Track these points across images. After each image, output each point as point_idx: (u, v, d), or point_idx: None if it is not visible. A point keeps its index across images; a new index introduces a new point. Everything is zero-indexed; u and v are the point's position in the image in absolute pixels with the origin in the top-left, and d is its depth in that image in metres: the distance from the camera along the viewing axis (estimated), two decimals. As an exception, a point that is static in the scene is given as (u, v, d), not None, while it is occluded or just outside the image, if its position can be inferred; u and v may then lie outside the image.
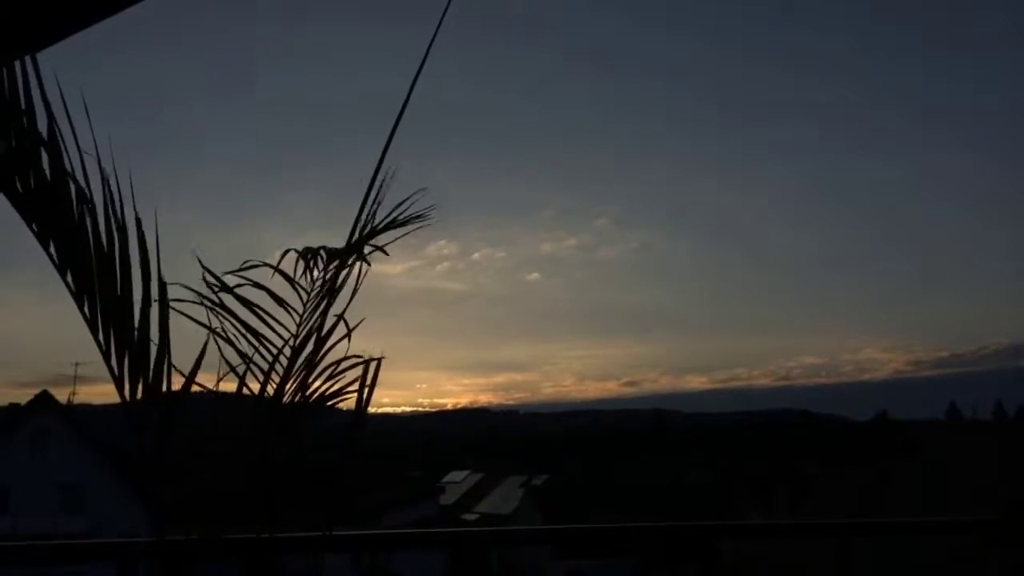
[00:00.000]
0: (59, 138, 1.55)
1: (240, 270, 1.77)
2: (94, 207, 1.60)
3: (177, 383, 1.68)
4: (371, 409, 1.79)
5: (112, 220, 1.61)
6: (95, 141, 1.54)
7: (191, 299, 1.73)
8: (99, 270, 1.61)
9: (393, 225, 1.88)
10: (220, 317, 1.75)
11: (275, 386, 1.76)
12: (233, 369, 1.75)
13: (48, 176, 1.56)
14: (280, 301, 1.80)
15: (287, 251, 1.82)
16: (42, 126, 1.55)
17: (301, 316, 1.80)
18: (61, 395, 26.06)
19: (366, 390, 1.76)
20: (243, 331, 1.76)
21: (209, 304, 1.74)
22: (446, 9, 1.75)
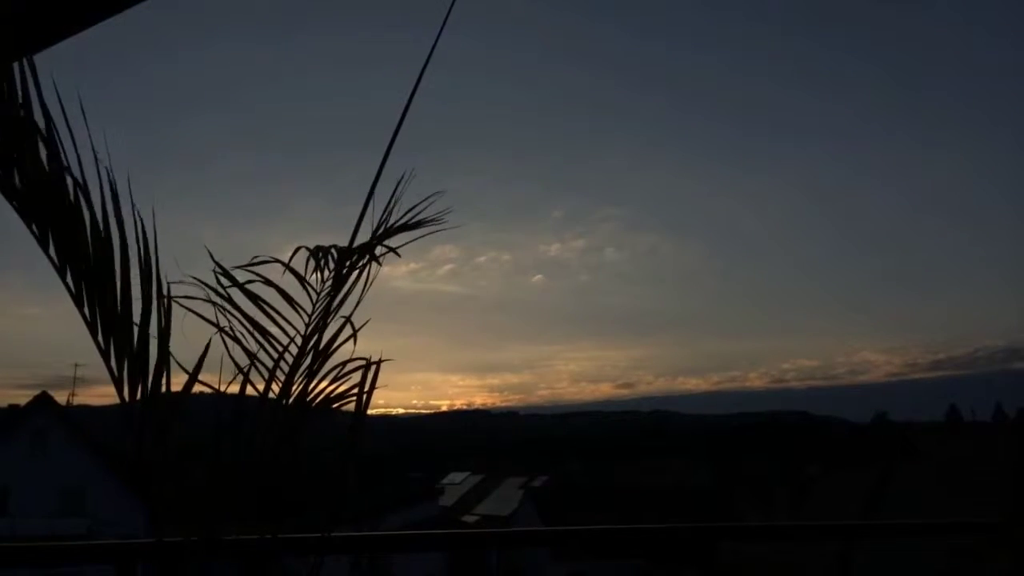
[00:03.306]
0: (57, 139, 1.55)
1: (250, 265, 1.75)
2: (92, 206, 1.60)
3: (179, 382, 1.68)
4: (369, 410, 1.78)
5: (112, 219, 1.61)
6: (92, 142, 1.54)
7: (198, 296, 1.72)
8: (99, 271, 1.61)
9: (407, 227, 1.87)
10: (227, 315, 1.75)
11: (280, 386, 1.75)
12: (240, 369, 1.75)
13: (47, 173, 1.56)
14: (290, 299, 1.79)
15: (298, 248, 1.81)
16: (39, 128, 1.55)
17: (310, 315, 1.79)
18: (60, 396, 26.08)
19: (366, 392, 1.75)
20: (250, 329, 1.75)
21: (217, 301, 1.74)
22: (448, 14, 1.75)
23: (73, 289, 1.61)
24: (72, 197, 1.58)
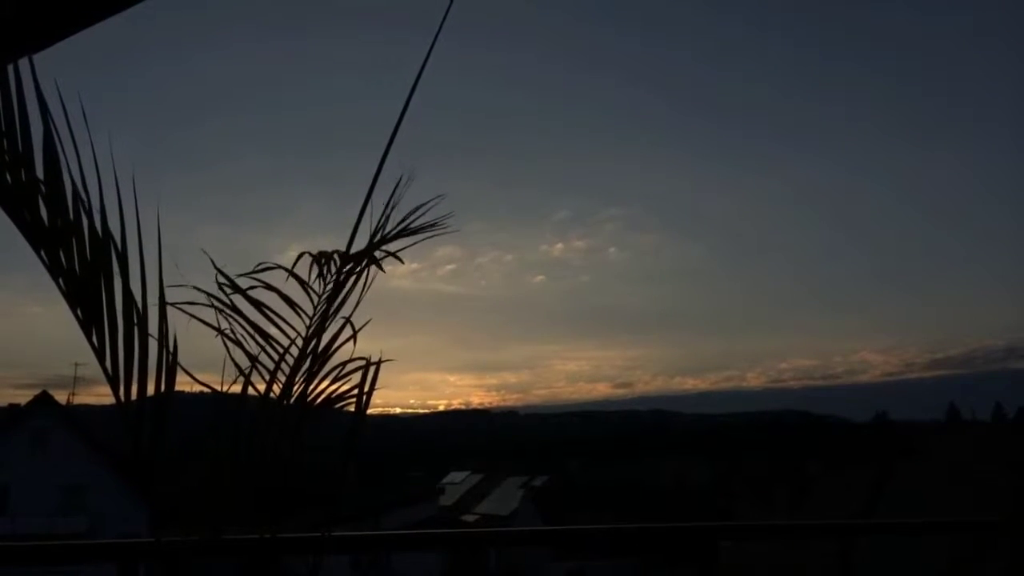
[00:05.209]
0: (57, 141, 1.55)
1: (253, 272, 1.77)
2: (91, 209, 1.59)
3: (178, 382, 1.68)
4: (369, 410, 1.79)
5: (107, 223, 1.60)
6: (93, 146, 1.54)
7: (199, 300, 1.73)
8: (92, 273, 1.61)
9: (406, 232, 1.87)
10: (229, 318, 1.75)
11: (281, 386, 1.76)
12: (241, 370, 1.75)
13: (41, 178, 1.56)
14: (292, 303, 1.80)
15: (301, 254, 1.82)
16: (38, 128, 1.55)
17: (311, 319, 1.80)
18: (61, 396, 26.07)
19: (366, 392, 1.75)
20: (252, 332, 1.76)
21: (219, 306, 1.74)
22: (444, 16, 1.75)
23: (65, 289, 1.61)
24: (69, 201, 1.58)
